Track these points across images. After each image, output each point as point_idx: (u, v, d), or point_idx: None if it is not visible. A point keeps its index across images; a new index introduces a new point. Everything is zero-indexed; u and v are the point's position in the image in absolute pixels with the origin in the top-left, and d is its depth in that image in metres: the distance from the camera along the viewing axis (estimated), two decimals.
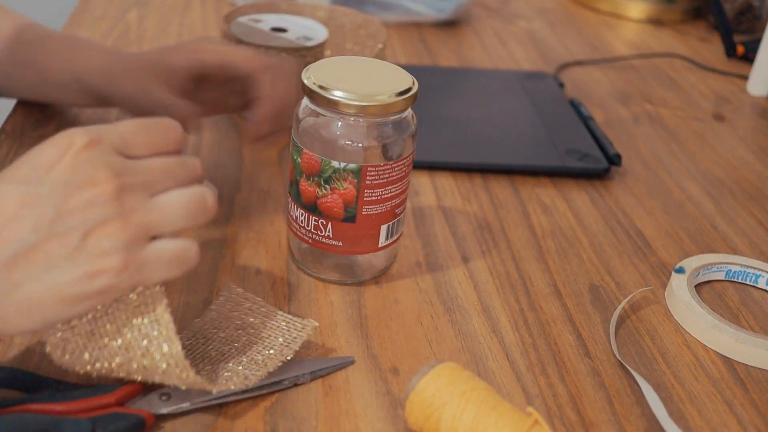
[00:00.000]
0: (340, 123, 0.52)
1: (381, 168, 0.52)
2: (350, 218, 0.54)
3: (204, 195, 0.41)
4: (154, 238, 0.40)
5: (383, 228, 0.55)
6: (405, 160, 0.54)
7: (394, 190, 0.54)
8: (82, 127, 0.39)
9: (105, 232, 0.38)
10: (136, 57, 0.64)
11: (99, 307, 0.41)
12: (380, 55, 0.78)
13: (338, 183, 0.52)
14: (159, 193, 0.40)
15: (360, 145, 0.52)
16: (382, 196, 0.53)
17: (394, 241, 0.57)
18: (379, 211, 0.54)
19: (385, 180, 0.53)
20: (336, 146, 0.52)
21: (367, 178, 0.52)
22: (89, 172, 0.38)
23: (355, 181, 0.52)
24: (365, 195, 0.53)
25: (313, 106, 0.52)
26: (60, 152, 0.38)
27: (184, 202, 0.41)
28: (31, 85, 0.68)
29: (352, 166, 0.52)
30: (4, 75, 0.69)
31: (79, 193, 0.38)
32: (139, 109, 0.62)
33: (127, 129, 0.41)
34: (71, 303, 0.38)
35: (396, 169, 0.53)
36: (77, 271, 0.38)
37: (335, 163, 0.52)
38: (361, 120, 0.51)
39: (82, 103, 0.68)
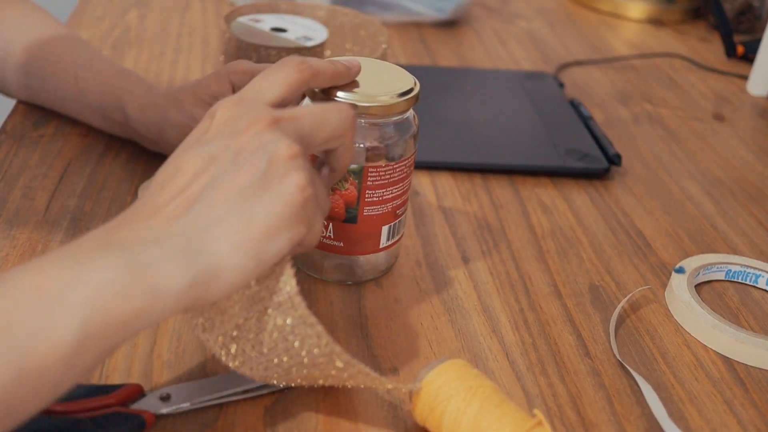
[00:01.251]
0: None
1: (382, 169, 0.52)
2: (351, 219, 0.54)
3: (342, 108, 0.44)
4: None
5: (384, 229, 0.55)
6: (406, 161, 0.54)
7: (395, 190, 0.54)
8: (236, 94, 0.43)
9: (283, 155, 0.39)
10: (176, 88, 0.64)
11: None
12: (383, 56, 0.78)
13: (339, 183, 0.52)
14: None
15: (361, 145, 0.52)
16: (384, 197, 0.53)
17: (396, 242, 0.57)
18: (381, 212, 0.54)
19: (386, 181, 0.53)
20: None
21: (369, 178, 0.52)
22: (246, 115, 0.41)
23: (357, 181, 0.52)
24: (366, 196, 0.53)
25: None
26: (209, 119, 0.42)
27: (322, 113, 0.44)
28: (67, 98, 0.69)
29: (353, 166, 0.52)
30: (43, 80, 0.69)
31: (247, 131, 0.40)
32: (177, 140, 0.62)
33: (264, 84, 0.44)
34: (276, 231, 0.39)
35: (397, 169, 0.53)
36: (273, 194, 0.39)
37: None
38: (362, 121, 0.51)
39: (114, 129, 0.69)
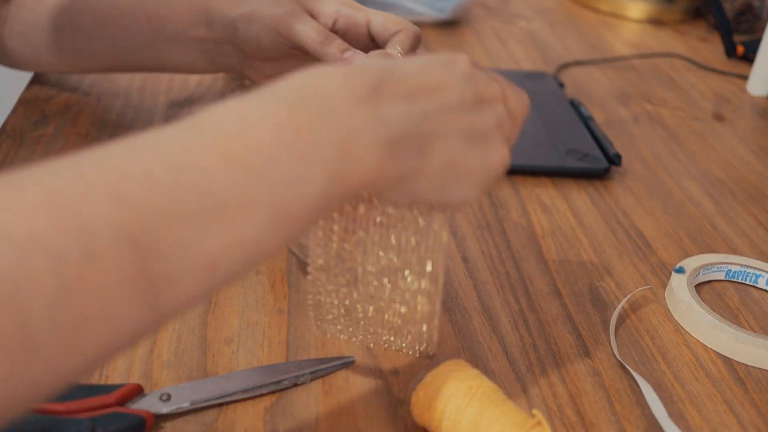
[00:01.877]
0: None
1: None
2: None
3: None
4: None
5: None
6: None
7: None
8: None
9: (508, 130, 0.43)
10: None
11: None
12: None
13: None
14: None
15: None
16: None
17: None
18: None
19: None
20: None
21: None
22: (486, 78, 0.43)
23: None
24: None
25: None
26: (452, 59, 0.42)
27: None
28: (142, 41, 0.67)
29: None
30: (116, 31, 0.68)
31: (488, 87, 0.42)
32: (276, 43, 0.60)
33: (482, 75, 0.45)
34: (471, 180, 0.42)
35: None
36: (489, 150, 0.42)
37: None
38: None
39: (195, 59, 0.67)
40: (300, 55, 0.61)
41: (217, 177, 0.32)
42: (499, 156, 0.42)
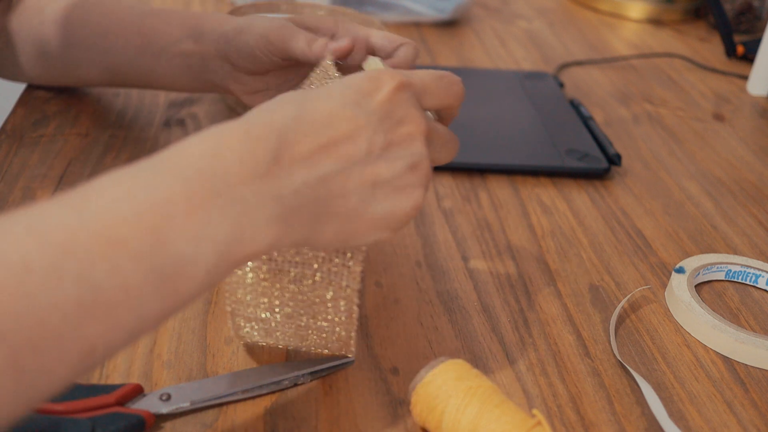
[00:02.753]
0: None
1: None
2: None
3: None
4: None
5: None
6: None
7: None
8: (392, 69, 0.43)
9: (421, 171, 0.42)
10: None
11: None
12: None
13: None
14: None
15: None
16: None
17: None
18: None
19: None
20: None
21: None
22: (406, 110, 0.42)
23: None
24: None
25: None
26: (375, 86, 0.41)
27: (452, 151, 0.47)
28: (131, 54, 0.67)
29: None
30: (107, 43, 0.68)
31: (401, 126, 0.41)
32: (267, 53, 0.59)
33: (427, 79, 0.44)
34: (380, 227, 0.41)
35: None
36: (398, 199, 0.41)
37: None
38: None
39: (180, 73, 0.66)
40: (289, 69, 0.61)
41: (99, 264, 0.31)
42: (410, 202, 0.42)
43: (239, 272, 0.45)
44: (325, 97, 0.40)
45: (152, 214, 0.33)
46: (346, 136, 0.39)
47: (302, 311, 0.46)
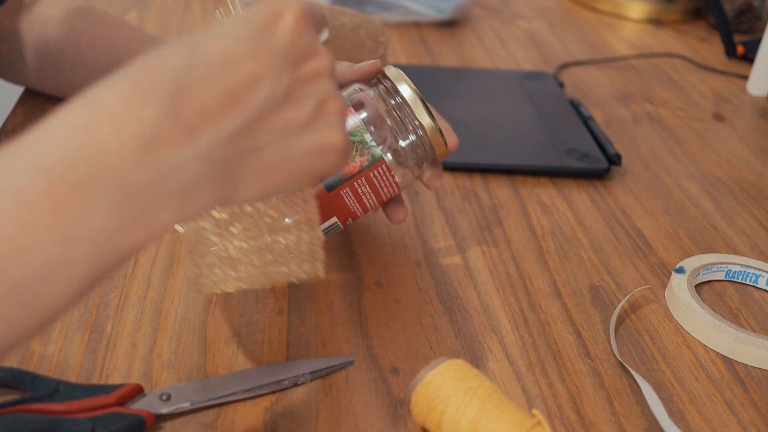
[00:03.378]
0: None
1: (388, 175, 0.53)
2: (328, 186, 0.53)
3: None
4: None
5: (331, 219, 0.54)
6: (396, 190, 0.54)
7: (370, 201, 0.54)
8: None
9: (332, 107, 0.37)
10: None
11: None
12: (383, 56, 0.78)
13: (354, 152, 0.52)
14: None
15: (403, 143, 0.53)
16: (363, 196, 0.53)
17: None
18: (348, 204, 0.54)
19: (378, 186, 0.53)
20: (383, 125, 0.52)
21: (375, 171, 0.52)
22: (311, 43, 0.36)
23: (366, 163, 0.52)
24: (358, 181, 0.53)
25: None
26: (275, 17, 0.35)
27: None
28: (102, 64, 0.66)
29: (375, 150, 0.52)
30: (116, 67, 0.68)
31: (307, 62, 0.36)
32: None
33: (311, 9, 0.38)
34: (297, 175, 0.37)
35: (389, 190, 0.54)
36: (312, 141, 0.36)
37: (368, 136, 0.52)
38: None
39: None
40: None
41: None
42: (326, 140, 0.37)
43: (193, 224, 0.42)
44: (219, 34, 0.34)
45: (9, 217, 0.28)
46: (249, 77, 0.33)
47: (264, 232, 0.43)
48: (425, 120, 0.51)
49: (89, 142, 0.30)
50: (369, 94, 0.53)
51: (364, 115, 0.52)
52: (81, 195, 0.29)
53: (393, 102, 0.52)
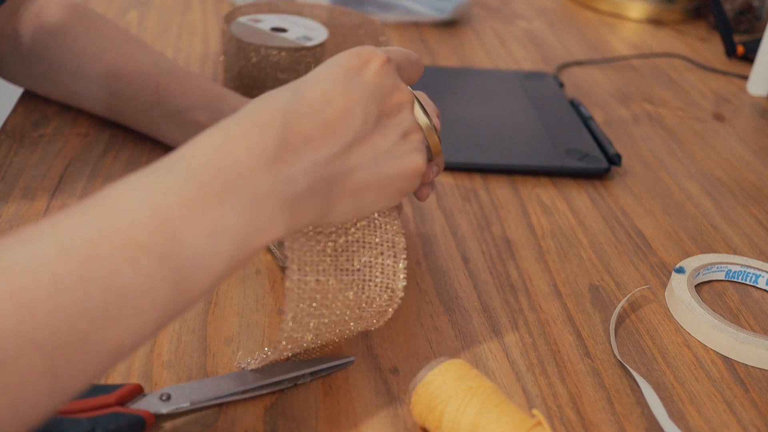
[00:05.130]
0: None
1: None
2: None
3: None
4: None
5: None
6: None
7: None
8: (371, 47, 0.44)
9: (415, 137, 0.45)
10: None
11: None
12: None
13: None
14: None
15: None
16: None
17: None
18: None
19: None
20: None
21: None
22: (394, 81, 0.44)
23: None
24: None
25: None
26: (363, 61, 0.43)
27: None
28: (141, 107, 0.68)
29: None
30: (119, 91, 0.69)
31: (391, 97, 0.44)
32: None
33: (402, 56, 0.47)
34: (385, 194, 0.44)
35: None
36: (399, 165, 0.44)
37: None
38: None
39: (183, 138, 0.65)
40: None
41: (121, 268, 0.33)
42: (411, 166, 0.44)
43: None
44: (315, 79, 0.42)
45: (169, 216, 0.35)
46: (343, 110, 0.41)
47: (354, 259, 0.47)
48: (421, 119, 0.51)
49: (227, 158, 0.37)
50: None
51: None
52: (223, 196, 0.36)
53: None
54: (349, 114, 0.41)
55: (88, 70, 0.69)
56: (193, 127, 0.65)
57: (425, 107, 0.52)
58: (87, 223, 0.34)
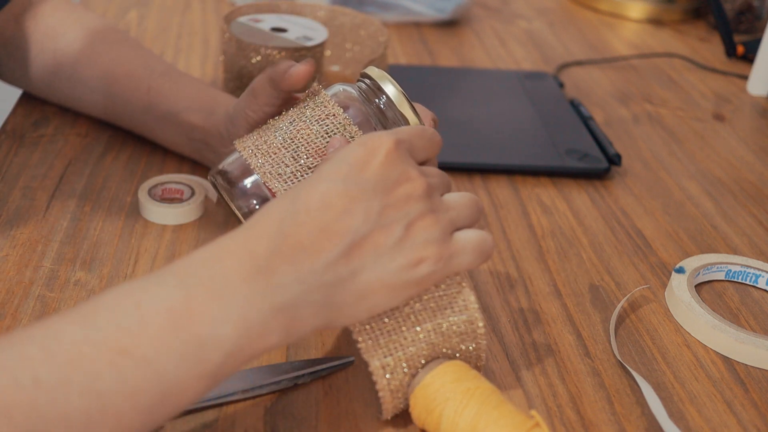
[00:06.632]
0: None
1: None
2: None
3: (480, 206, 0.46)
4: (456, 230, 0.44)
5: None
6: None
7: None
8: (382, 132, 0.43)
9: (423, 225, 0.42)
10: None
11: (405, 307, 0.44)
12: (383, 56, 0.78)
13: None
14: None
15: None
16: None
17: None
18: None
19: None
20: (368, 123, 0.51)
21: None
22: (402, 170, 0.42)
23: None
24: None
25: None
26: (369, 153, 0.41)
27: (470, 203, 0.45)
28: (134, 109, 0.68)
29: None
30: (113, 94, 0.68)
31: (397, 188, 0.41)
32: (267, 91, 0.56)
33: (413, 135, 0.44)
34: (397, 290, 0.41)
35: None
36: (403, 259, 0.41)
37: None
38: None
39: (181, 142, 0.67)
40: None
41: (104, 374, 0.33)
42: (417, 254, 0.41)
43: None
44: (317, 180, 0.41)
45: (156, 322, 0.35)
46: (342, 212, 0.40)
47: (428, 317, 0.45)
48: (410, 117, 0.51)
49: (216, 267, 0.37)
50: (353, 93, 0.52)
51: (350, 112, 0.51)
52: (211, 304, 0.36)
53: (377, 101, 0.52)
54: (348, 215, 0.40)
55: (82, 75, 0.69)
56: (186, 129, 0.65)
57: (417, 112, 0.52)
58: (74, 327, 0.34)
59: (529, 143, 0.78)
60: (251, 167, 0.49)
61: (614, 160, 0.76)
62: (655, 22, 1.21)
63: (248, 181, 0.51)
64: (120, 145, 0.71)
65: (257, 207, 0.51)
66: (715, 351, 0.55)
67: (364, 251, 0.40)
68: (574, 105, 0.87)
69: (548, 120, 0.83)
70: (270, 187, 0.48)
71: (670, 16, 1.22)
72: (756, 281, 0.62)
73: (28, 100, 0.76)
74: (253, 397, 0.47)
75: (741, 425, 0.49)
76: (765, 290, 0.62)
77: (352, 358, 0.50)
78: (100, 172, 0.67)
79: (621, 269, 0.62)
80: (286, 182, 0.48)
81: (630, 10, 1.21)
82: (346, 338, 0.52)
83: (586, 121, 0.83)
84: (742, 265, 0.62)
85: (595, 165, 0.74)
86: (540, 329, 0.55)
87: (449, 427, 0.43)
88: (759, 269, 0.62)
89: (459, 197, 0.45)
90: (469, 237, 0.44)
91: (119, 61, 0.68)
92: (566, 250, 0.64)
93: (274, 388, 0.47)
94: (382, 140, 0.42)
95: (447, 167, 0.73)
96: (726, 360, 0.54)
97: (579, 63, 1.02)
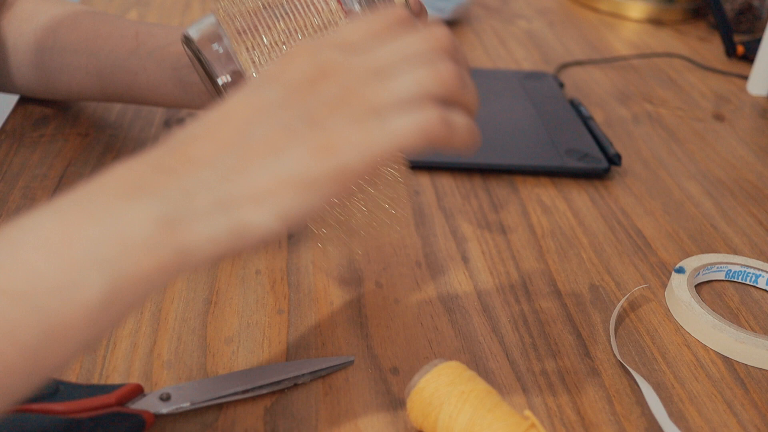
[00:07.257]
0: None
1: None
2: None
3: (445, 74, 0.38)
4: None
5: None
6: None
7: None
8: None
9: (331, 110, 0.37)
10: None
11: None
12: None
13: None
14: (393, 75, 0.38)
15: None
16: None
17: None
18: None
19: None
20: None
21: None
22: (318, 64, 0.38)
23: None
24: None
25: None
26: (282, 66, 0.38)
27: (417, 76, 0.38)
28: (122, 55, 0.66)
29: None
30: (100, 45, 0.67)
31: (309, 87, 0.37)
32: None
33: (346, 31, 0.39)
34: (303, 188, 0.36)
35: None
36: (303, 150, 0.36)
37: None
38: None
39: (166, 76, 0.65)
40: None
41: None
42: (319, 146, 0.36)
43: None
44: (235, 93, 0.39)
45: (28, 253, 0.33)
46: (243, 122, 0.37)
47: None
48: None
49: (93, 188, 0.36)
50: None
51: None
52: (87, 225, 0.34)
53: None
54: (248, 125, 0.37)
55: (64, 41, 0.68)
56: (173, 60, 0.63)
57: None
58: None
59: (529, 143, 0.78)
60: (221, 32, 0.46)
61: (614, 160, 0.76)
62: (655, 22, 1.21)
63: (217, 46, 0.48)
64: (120, 144, 0.71)
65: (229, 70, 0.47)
66: (715, 351, 0.55)
67: (259, 154, 0.36)
68: (574, 105, 0.87)
69: (548, 120, 0.83)
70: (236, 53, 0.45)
71: (670, 16, 1.22)
72: (756, 281, 0.62)
73: (28, 100, 0.76)
74: (253, 397, 0.47)
75: (741, 425, 0.49)
76: (765, 290, 0.62)
77: (352, 358, 0.50)
78: (100, 171, 0.67)
79: (621, 269, 0.62)
80: (253, 50, 0.44)
81: (630, 10, 1.21)
82: (346, 338, 0.52)
83: (586, 121, 0.83)
84: (742, 265, 0.62)
85: (595, 165, 0.74)
86: (540, 329, 0.55)
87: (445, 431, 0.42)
88: (759, 269, 0.62)
89: (409, 74, 0.38)
90: (403, 119, 0.37)
91: (102, 21, 0.68)
92: (566, 250, 0.64)
93: (274, 388, 0.47)
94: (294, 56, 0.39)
95: (448, 167, 0.73)
96: (726, 360, 0.54)
97: (579, 63, 1.02)
